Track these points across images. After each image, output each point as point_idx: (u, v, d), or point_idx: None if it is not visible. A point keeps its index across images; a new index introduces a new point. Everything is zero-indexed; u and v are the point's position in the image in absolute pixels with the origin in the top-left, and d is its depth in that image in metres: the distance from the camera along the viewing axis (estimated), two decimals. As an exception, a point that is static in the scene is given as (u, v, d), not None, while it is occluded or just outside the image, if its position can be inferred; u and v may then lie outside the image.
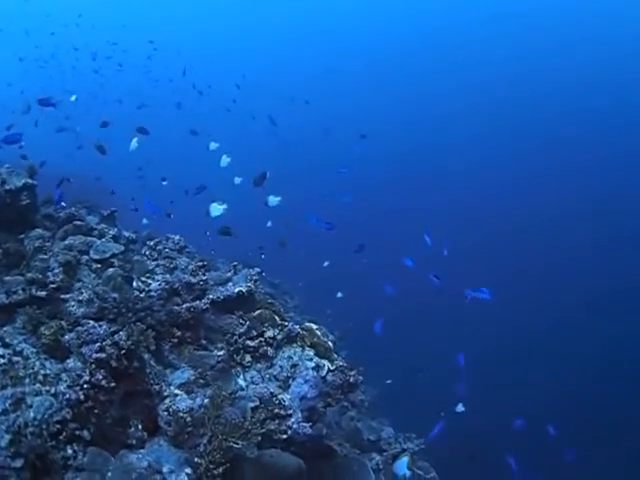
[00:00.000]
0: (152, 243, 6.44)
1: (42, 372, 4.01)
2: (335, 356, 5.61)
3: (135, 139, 7.08)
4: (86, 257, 5.58)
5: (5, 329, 4.53)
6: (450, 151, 30.63)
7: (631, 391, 13.53)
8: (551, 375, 14.36)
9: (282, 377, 5.24)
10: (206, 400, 4.23)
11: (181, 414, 4.23)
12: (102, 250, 5.71)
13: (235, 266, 6.45)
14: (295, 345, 5.54)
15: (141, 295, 5.29)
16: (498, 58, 36.33)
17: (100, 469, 3.67)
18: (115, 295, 4.93)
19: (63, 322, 4.61)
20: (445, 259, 10.13)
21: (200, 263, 6.07)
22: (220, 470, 3.63)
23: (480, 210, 24.53)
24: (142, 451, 3.93)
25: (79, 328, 4.40)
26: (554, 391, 13.62)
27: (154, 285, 5.52)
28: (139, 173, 11.72)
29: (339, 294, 11.00)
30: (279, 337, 5.51)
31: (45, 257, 5.29)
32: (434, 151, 30.94)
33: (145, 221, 7.77)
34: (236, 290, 5.82)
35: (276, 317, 5.73)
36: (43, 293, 4.86)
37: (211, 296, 5.72)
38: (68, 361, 4.25)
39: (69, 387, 3.95)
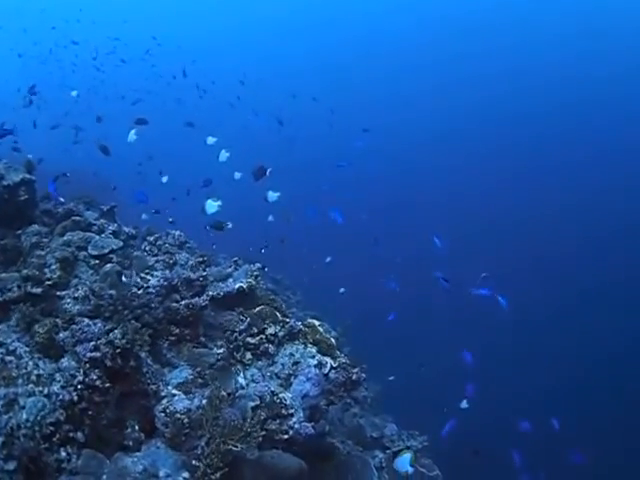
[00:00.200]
0: (152, 238, 6.31)
1: (35, 372, 3.89)
2: (338, 353, 5.49)
3: (133, 130, 6.91)
4: (84, 253, 5.45)
5: (-1, 327, 4.42)
6: (449, 145, 30.46)
7: (632, 389, 13.46)
8: (553, 370, 14.29)
9: (283, 375, 5.12)
10: (204, 401, 4.11)
11: (178, 415, 4.11)
12: (101, 246, 5.56)
13: (236, 261, 6.35)
14: (297, 342, 5.44)
15: (139, 292, 5.17)
16: (498, 50, 36.08)
17: (94, 472, 3.55)
18: (112, 292, 4.78)
19: (58, 320, 4.49)
20: (445, 255, 9.99)
21: (200, 259, 5.96)
22: (218, 474, 3.51)
23: (479, 204, 24.41)
24: (138, 454, 3.81)
25: (74, 326, 4.28)
26: (556, 385, 13.54)
27: (153, 281, 5.39)
28: (139, 168, 11.60)
29: (342, 289, 10.91)
30: (280, 334, 5.40)
31: (42, 253, 5.18)
32: (433, 144, 30.74)
33: (144, 216, 7.64)
34: (236, 286, 5.71)
35: (277, 313, 5.61)
36: (39, 290, 4.75)
37: (211, 292, 5.61)
38: (62, 360, 4.13)
39: (63, 387, 3.84)
